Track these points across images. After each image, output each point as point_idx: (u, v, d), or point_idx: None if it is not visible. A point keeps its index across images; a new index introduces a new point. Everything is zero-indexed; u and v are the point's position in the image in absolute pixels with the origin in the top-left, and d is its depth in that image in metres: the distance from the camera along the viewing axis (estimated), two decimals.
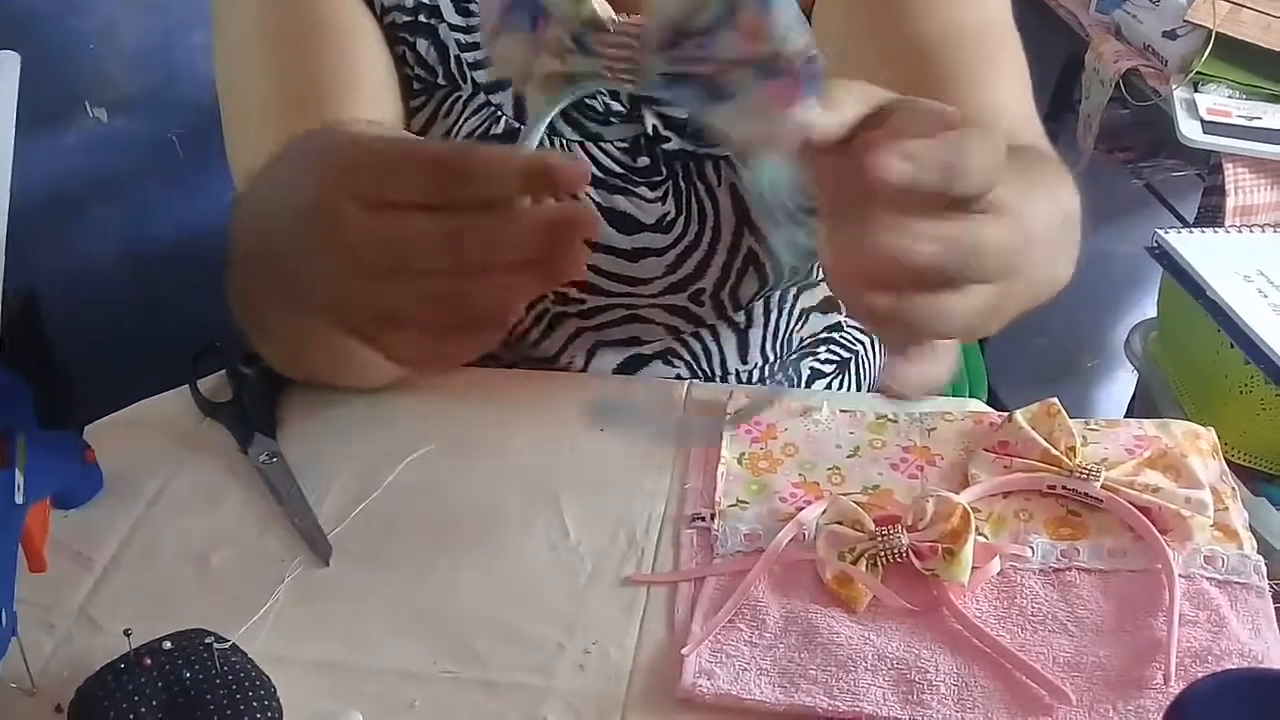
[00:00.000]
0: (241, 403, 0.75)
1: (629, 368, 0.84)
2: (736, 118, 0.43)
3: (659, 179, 0.77)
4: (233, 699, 0.53)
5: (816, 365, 0.89)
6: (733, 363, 0.85)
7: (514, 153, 0.43)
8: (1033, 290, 0.61)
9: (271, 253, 0.51)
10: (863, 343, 0.92)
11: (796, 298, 0.85)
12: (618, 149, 0.77)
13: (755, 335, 0.84)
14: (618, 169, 0.77)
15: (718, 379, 0.85)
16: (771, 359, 0.86)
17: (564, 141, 0.77)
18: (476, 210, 0.42)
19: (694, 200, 0.77)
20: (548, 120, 0.48)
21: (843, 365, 0.91)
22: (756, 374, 0.86)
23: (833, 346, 0.90)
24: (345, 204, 0.43)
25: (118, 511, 0.69)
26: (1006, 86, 0.75)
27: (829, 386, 0.90)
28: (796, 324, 0.86)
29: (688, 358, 0.84)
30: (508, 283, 0.43)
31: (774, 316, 0.84)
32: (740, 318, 0.83)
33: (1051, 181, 0.66)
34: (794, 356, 0.87)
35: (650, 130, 0.76)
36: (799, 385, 0.87)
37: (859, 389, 0.92)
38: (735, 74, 0.43)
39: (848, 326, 0.90)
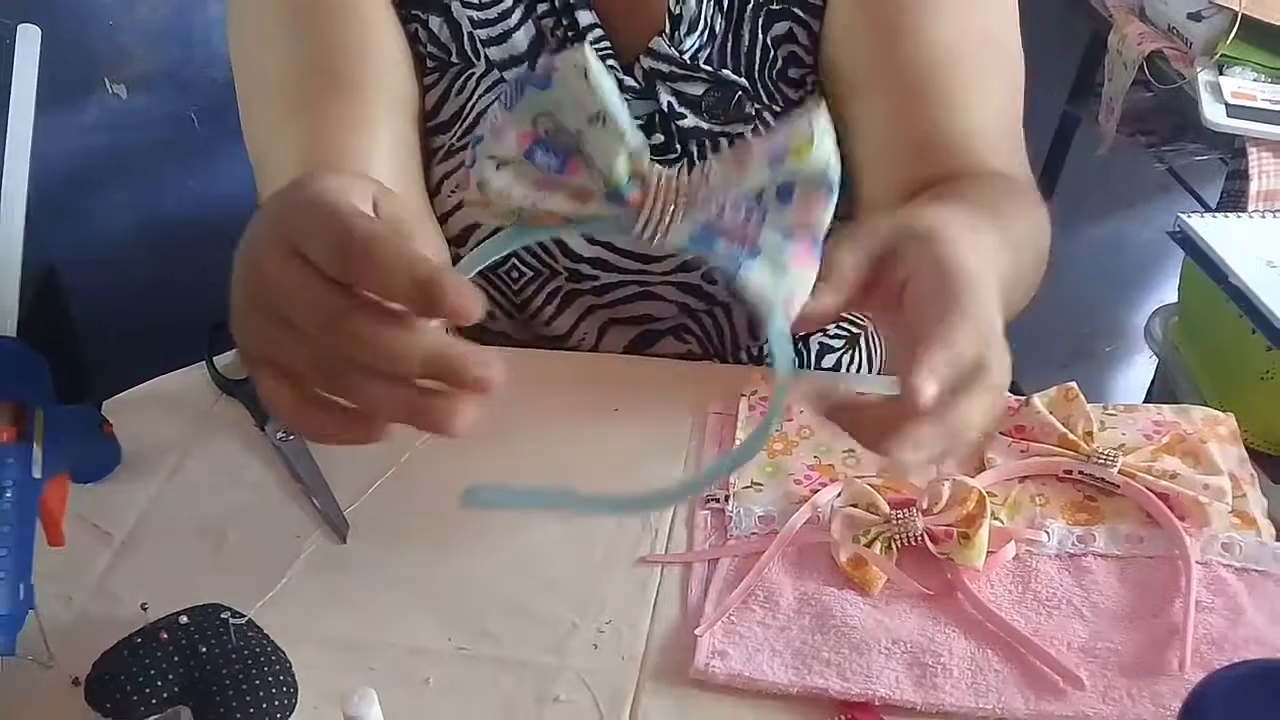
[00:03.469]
0: None
1: (641, 344, 0.84)
2: (766, 276, 0.43)
3: (674, 156, 0.77)
4: (248, 673, 0.54)
5: (826, 341, 0.90)
6: (744, 339, 0.85)
7: (420, 260, 0.41)
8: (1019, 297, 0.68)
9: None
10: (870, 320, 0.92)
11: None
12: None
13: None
14: None
15: (729, 355, 0.85)
16: None
17: None
18: (371, 303, 0.42)
19: None
20: (500, 255, 0.46)
21: (852, 341, 0.92)
22: (767, 350, 0.86)
23: (841, 322, 0.90)
24: (268, 242, 0.44)
25: (135, 486, 0.69)
26: (988, 107, 0.76)
27: (838, 362, 0.91)
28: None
29: (699, 333, 0.84)
30: (375, 389, 0.42)
31: None
32: None
33: (1024, 235, 0.68)
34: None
35: (665, 107, 0.76)
36: (809, 365, 0.88)
37: (869, 365, 0.93)
38: (765, 235, 0.43)
39: None
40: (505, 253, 0.46)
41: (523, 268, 0.81)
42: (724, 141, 0.77)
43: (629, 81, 0.76)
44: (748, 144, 0.42)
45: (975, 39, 0.75)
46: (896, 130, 0.75)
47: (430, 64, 0.78)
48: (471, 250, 0.47)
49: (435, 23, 0.76)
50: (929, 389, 0.44)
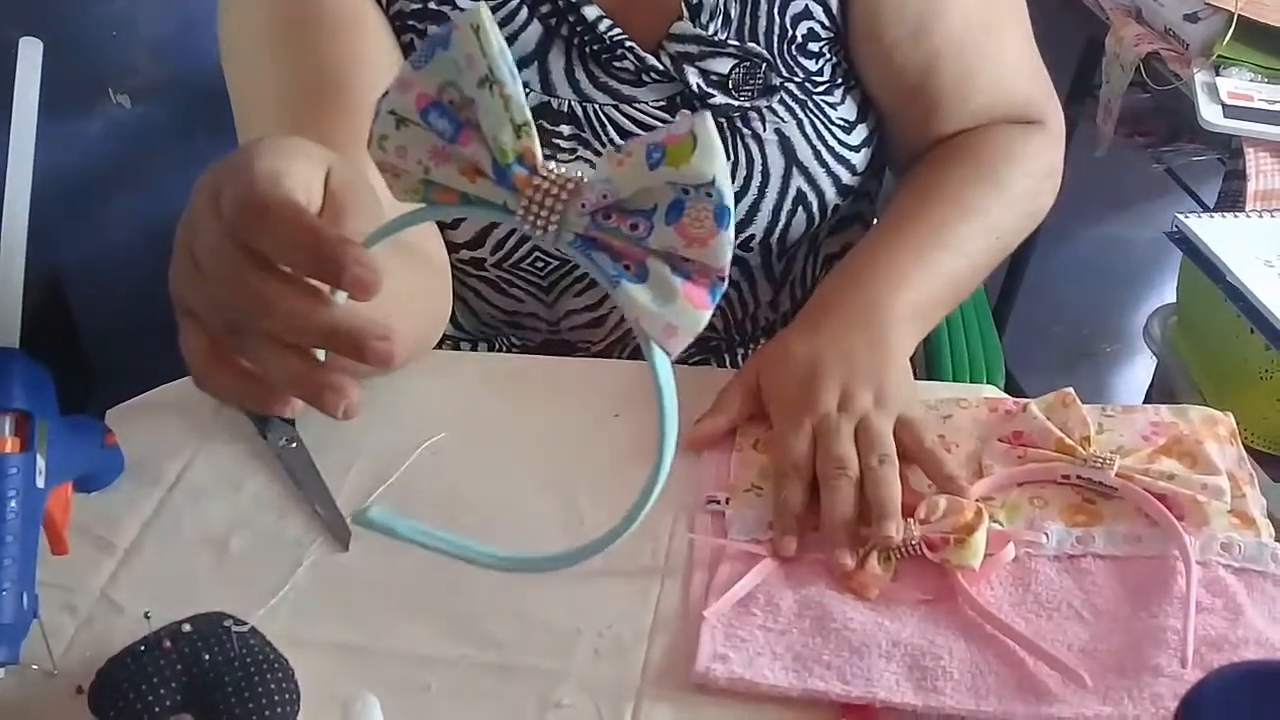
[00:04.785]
0: None
1: None
2: (647, 299, 0.42)
3: None
4: (251, 681, 0.54)
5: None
6: (764, 312, 0.88)
7: (321, 230, 0.41)
8: (994, 262, 0.82)
9: None
10: None
11: (823, 243, 0.87)
12: (654, 108, 0.78)
13: (788, 286, 0.87)
14: (658, 125, 0.79)
15: (749, 327, 0.88)
16: (796, 301, 0.89)
17: (597, 107, 0.78)
18: (278, 270, 0.43)
19: (740, 148, 0.79)
20: (397, 232, 0.45)
21: None
22: (780, 324, 0.89)
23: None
24: (201, 187, 0.45)
25: (139, 495, 0.69)
26: (1002, 67, 0.85)
27: None
28: (821, 270, 0.89)
29: (723, 305, 0.85)
30: (270, 355, 0.43)
31: (803, 263, 0.87)
32: (780, 265, 0.85)
33: (974, 197, 0.81)
34: None
35: (695, 89, 0.77)
36: None
37: None
38: (653, 260, 0.42)
39: None
40: (405, 229, 0.46)
41: (547, 258, 0.82)
42: (754, 115, 0.79)
43: (653, 62, 0.77)
44: (631, 141, 0.41)
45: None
46: (927, 86, 0.83)
47: None
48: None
49: None
50: (787, 548, 0.62)
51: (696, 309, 0.42)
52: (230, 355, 0.45)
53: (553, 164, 0.42)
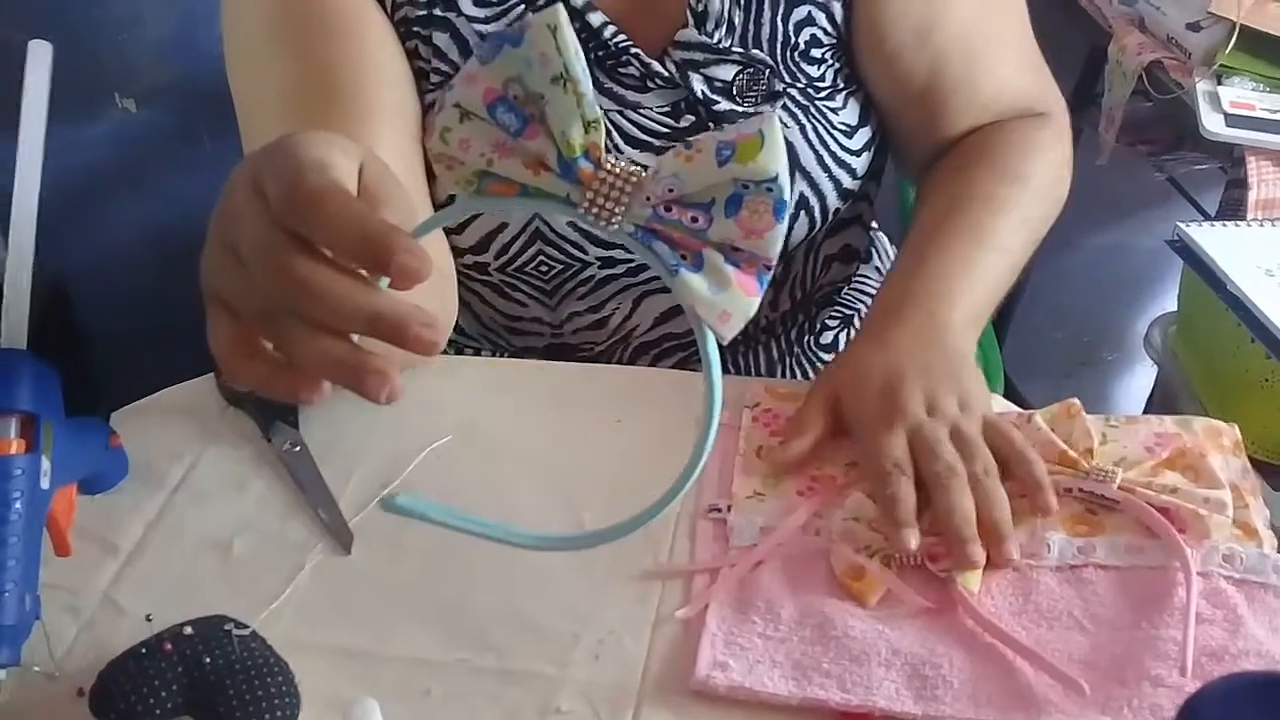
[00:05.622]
0: None
1: (668, 316, 0.86)
2: (704, 287, 0.44)
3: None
4: (251, 685, 0.54)
5: (825, 320, 0.93)
6: (765, 311, 0.88)
7: (369, 217, 0.42)
8: (1027, 255, 0.82)
9: None
10: (865, 301, 0.96)
11: (821, 244, 0.87)
12: (659, 113, 0.79)
13: (788, 285, 0.88)
14: (664, 130, 0.79)
15: (750, 327, 0.87)
16: (797, 301, 0.89)
17: (602, 112, 0.78)
18: (322, 255, 0.43)
19: None
20: (448, 223, 0.46)
21: (846, 320, 0.94)
22: (780, 323, 0.90)
23: (841, 300, 0.94)
24: (240, 176, 0.45)
25: (142, 497, 0.70)
26: (1006, 64, 0.86)
27: (835, 339, 0.93)
28: (820, 271, 0.89)
29: None
30: (312, 341, 0.43)
31: (803, 263, 0.88)
32: (780, 266, 0.85)
33: (1002, 197, 0.81)
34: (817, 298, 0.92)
35: (700, 95, 0.78)
36: (807, 344, 0.92)
37: None
38: (708, 250, 0.44)
39: (856, 280, 0.95)
40: (459, 220, 0.46)
41: (551, 263, 0.82)
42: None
43: (658, 69, 0.78)
44: (699, 138, 0.43)
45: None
46: (934, 87, 0.84)
47: (435, 79, 0.78)
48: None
49: (441, 39, 0.77)
50: (909, 541, 0.61)
51: (748, 296, 0.44)
52: (260, 344, 0.45)
53: (613, 157, 0.44)
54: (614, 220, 0.44)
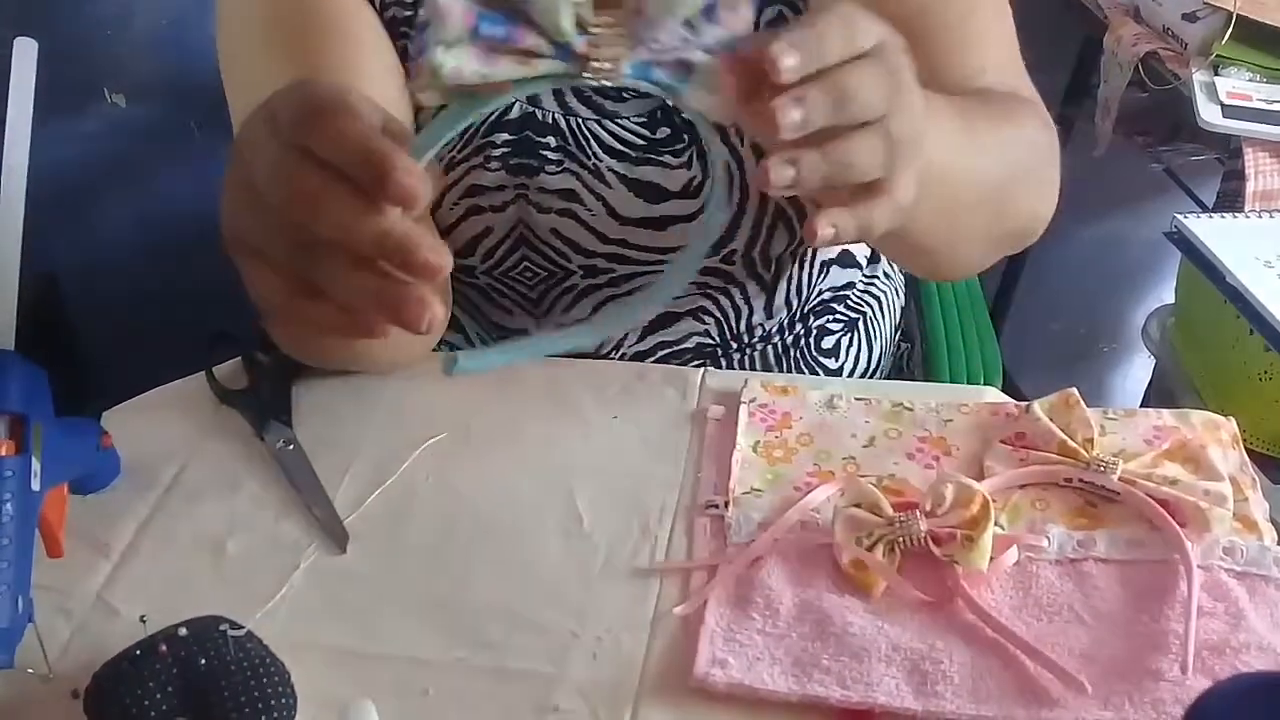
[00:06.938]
0: (258, 390, 0.76)
1: (658, 325, 0.85)
2: (703, 90, 0.46)
3: (681, 146, 0.78)
4: (247, 685, 0.54)
5: (826, 325, 0.91)
6: (759, 318, 0.86)
7: (375, 135, 0.42)
8: (999, 215, 0.74)
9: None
10: (870, 305, 0.94)
11: (817, 250, 0.86)
12: (635, 123, 0.78)
13: (781, 290, 0.86)
14: (640, 141, 0.78)
15: (744, 334, 0.86)
16: (794, 309, 0.88)
17: (580, 120, 0.78)
18: (323, 165, 0.42)
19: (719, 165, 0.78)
20: (457, 130, 0.46)
21: (850, 325, 0.93)
22: (777, 330, 0.88)
23: (844, 305, 0.92)
24: (255, 118, 0.45)
25: (134, 497, 0.69)
26: (987, 43, 0.81)
27: (836, 344, 0.92)
28: (819, 277, 0.88)
29: (717, 314, 0.85)
30: (342, 273, 0.42)
31: (798, 270, 0.86)
32: (769, 274, 0.84)
33: (1001, 114, 0.74)
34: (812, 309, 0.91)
35: (670, 103, 0.77)
36: (808, 346, 0.89)
37: (868, 348, 0.94)
38: (694, 53, 0.45)
39: (861, 285, 0.93)
40: (459, 129, 0.47)
41: (536, 269, 0.82)
42: (732, 128, 0.78)
43: None
44: None
45: None
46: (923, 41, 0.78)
47: None
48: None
49: None
50: (787, 58, 0.46)
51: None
52: (309, 287, 0.44)
53: (605, 19, 0.44)
54: (614, 74, 0.45)
